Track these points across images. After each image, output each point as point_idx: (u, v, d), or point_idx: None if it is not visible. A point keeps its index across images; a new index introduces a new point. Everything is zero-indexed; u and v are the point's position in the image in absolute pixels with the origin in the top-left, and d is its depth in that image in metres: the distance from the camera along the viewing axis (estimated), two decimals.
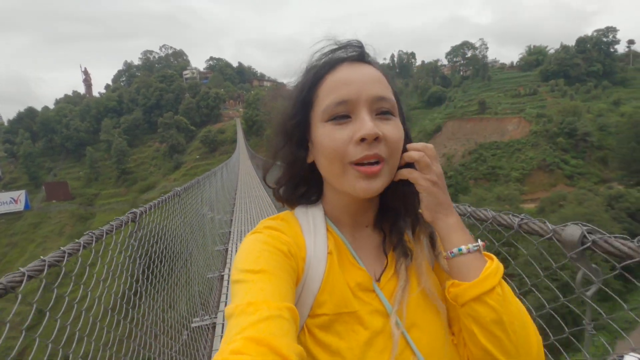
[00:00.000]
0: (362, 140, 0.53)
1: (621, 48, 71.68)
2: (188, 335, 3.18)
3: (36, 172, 69.65)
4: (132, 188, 65.30)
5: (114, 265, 1.88)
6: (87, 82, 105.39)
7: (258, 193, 11.76)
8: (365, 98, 0.54)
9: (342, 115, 0.55)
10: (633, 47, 74.73)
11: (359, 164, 0.53)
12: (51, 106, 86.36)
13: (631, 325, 18.85)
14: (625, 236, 0.80)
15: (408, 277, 0.60)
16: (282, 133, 0.63)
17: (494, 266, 0.54)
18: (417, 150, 0.57)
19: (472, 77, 76.73)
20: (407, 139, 0.61)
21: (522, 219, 1.04)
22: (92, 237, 1.53)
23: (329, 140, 0.55)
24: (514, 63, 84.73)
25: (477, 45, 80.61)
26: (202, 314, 3.57)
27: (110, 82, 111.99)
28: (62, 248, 1.34)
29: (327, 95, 0.56)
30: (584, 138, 49.91)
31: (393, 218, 0.64)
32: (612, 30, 67.70)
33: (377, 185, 0.54)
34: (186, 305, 3.42)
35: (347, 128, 0.54)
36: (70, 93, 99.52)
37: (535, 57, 76.83)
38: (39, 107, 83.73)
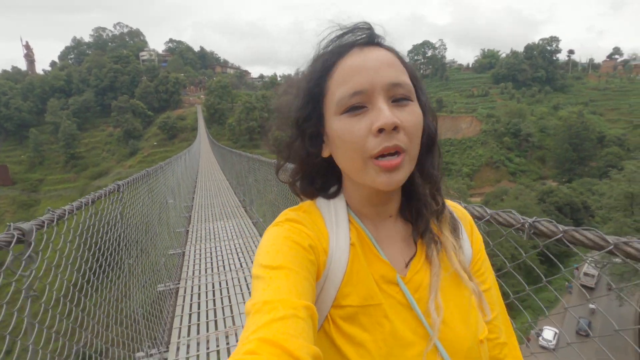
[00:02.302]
0: (380, 130, 0.50)
1: (563, 56, 78.55)
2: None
3: None
4: (83, 174, 61.57)
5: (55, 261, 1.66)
6: (29, 57, 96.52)
7: (217, 177, 14.70)
8: (380, 86, 0.51)
9: (357, 106, 0.52)
10: (573, 56, 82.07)
11: (378, 157, 0.52)
12: None
13: (552, 304, 21.65)
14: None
15: (440, 265, 0.59)
16: (293, 127, 0.60)
17: None
18: None
19: (431, 76, 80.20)
20: (430, 123, 0.59)
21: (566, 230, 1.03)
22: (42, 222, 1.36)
23: (346, 134, 0.52)
24: (470, 65, 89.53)
25: (437, 45, 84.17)
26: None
27: (56, 59, 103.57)
28: None
29: (339, 86, 0.53)
30: (527, 138, 54.51)
31: (417, 206, 0.62)
32: (555, 39, 73.71)
33: (399, 177, 0.53)
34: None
35: (364, 119, 0.52)
36: (8, 68, 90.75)
37: (488, 61, 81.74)
38: None
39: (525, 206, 27.18)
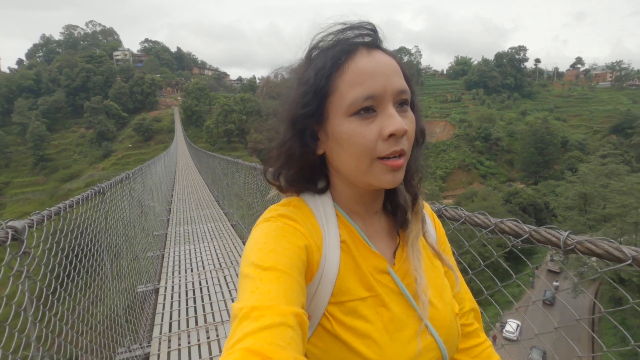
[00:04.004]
0: (391, 136, 0.52)
1: (530, 64, 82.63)
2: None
3: None
4: (53, 177, 59.31)
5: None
6: None
7: (194, 177, 16.06)
8: (390, 92, 0.53)
9: (367, 109, 0.53)
10: (539, 65, 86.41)
11: (384, 157, 0.54)
12: None
13: (516, 298, 23.11)
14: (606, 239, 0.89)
15: (421, 253, 0.63)
16: (290, 123, 0.58)
17: None
18: None
19: None
20: (421, 121, 0.62)
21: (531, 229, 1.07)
22: None
23: (357, 137, 0.53)
24: (444, 71, 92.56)
25: (413, 51, 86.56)
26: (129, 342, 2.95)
27: (23, 57, 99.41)
28: None
29: (352, 88, 0.53)
30: (496, 142, 57.10)
31: (396, 200, 0.66)
32: (523, 49, 77.44)
33: (401, 176, 0.56)
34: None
35: (374, 123, 0.53)
36: None
37: (461, 67, 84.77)
38: None
39: (492, 207, 28.66)
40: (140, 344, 2.96)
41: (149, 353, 2.85)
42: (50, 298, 1.76)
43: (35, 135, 60.43)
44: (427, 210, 0.76)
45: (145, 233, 5.13)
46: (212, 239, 6.08)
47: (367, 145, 0.53)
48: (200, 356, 2.75)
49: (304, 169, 0.61)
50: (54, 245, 1.81)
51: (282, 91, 0.62)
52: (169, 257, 5.21)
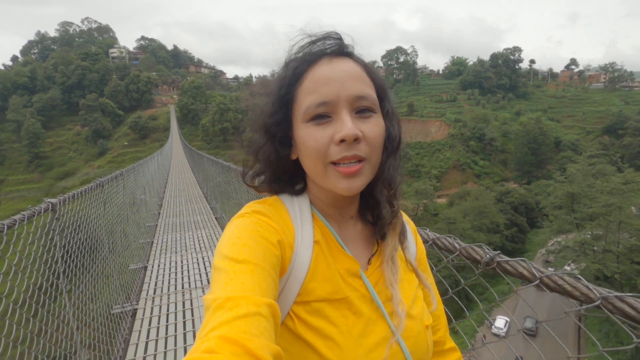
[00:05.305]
0: (342, 141, 0.53)
1: (525, 65, 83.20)
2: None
3: None
4: (48, 174, 59.30)
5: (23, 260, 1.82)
6: None
7: (187, 175, 16.80)
8: (344, 98, 0.54)
9: (322, 115, 0.55)
10: (534, 66, 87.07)
11: (338, 163, 0.55)
12: None
13: (505, 295, 23.54)
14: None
15: (398, 264, 0.64)
16: (263, 131, 0.62)
17: None
18: None
19: (403, 81, 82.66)
20: (393, 130, 0.62)
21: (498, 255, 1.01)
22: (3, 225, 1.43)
23: (310, 141, 0.55)
24: (440, 71, 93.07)
25: (409, 51, 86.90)
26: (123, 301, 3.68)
27: (18, 54, 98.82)
28: None
29: (307, 95, 0.56)
30: (491, 142, 57.49)
31: (376, 210, 0.66)
32: (517, 49, 78.00)
33: (358, 184, 0.56)
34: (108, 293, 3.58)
35: (328, 128, 0.55)
36: None
37: (457, 68, 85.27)
38: None
39: (484, 206, 29.05)
40: (130, 302, 3.78)
41: (136, 308, 3.67)
42: (69, 251, 2.58)
43: (30, 132, 60.36)
44: (411, 226, 0.77)
45: (138, 224, 5.64)
46: (196, 228, 6.63)
47: (318, 148, 0.54)
48: (175, 308, 3.62)
49: (280, 172, 0.64)
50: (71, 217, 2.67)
51: (259, 99, 0.65)
52: (157, 243, 5.79)
